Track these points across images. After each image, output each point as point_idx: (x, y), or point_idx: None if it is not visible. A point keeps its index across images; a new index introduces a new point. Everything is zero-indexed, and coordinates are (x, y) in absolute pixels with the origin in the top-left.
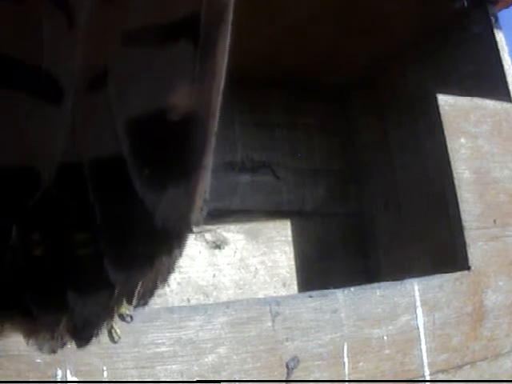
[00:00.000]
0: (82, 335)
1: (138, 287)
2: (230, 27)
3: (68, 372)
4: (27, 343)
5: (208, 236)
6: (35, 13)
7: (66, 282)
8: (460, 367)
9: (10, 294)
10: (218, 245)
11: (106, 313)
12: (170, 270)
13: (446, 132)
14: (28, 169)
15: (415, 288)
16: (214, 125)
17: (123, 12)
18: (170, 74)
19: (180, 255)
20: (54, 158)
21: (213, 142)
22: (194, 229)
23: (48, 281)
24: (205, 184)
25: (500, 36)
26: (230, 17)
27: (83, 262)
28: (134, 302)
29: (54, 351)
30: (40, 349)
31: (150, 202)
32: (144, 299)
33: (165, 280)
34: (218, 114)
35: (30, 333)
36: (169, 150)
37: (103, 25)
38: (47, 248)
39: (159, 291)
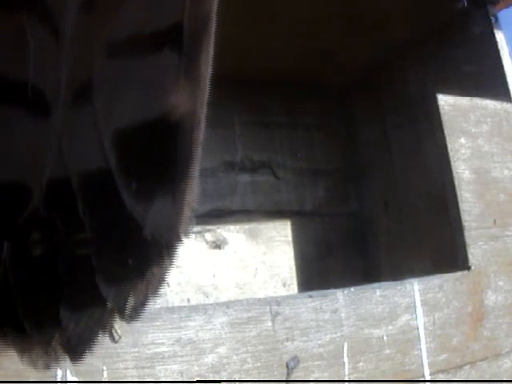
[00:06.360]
0: (77, 350)
1: (129, 300)
2: (213, 36)
3: (68, 372)
4: (21, 361)
5: (208, 236)
6: (19, 26)
7: (59, 298)
8: (460, 367)
9: (1, 312)
10: (217, 245)
11: (99, 328)
12: (160, 281)
13: (446, 132)
14: (18, 185)
15: (415, 288)
16: (200, 134)
17: (107, 22)
18: (155, 85)
19: (170, 266)
20: (43, 173)
21: (199, 151)
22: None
23: (41, 296)
24: (193, 194)
25: (500, 36)
26: (213, 25)
27: (77, 274)
28: (126, 316)
29: (48, 367)
30: (34, 366)
31: (139, 214)
32: (136, 312)
33: (156, 292)
34: (203, 124)
35: (24, 350)
36: (155, 161)
37: (88, 36)
38: (43, 254)
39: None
